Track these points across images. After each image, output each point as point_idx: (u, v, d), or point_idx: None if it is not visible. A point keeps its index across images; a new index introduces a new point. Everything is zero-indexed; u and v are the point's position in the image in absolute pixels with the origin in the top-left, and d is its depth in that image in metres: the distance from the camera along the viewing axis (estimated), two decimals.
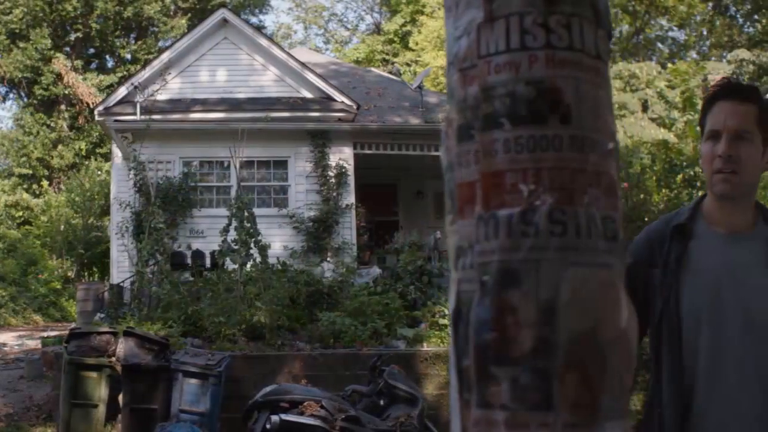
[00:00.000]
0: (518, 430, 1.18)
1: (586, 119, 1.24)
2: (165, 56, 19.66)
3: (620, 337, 1.23)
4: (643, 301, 2.84)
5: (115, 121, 18.17)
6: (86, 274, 28.66)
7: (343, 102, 19.21)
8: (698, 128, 2.92)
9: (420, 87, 21.68)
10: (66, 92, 35.87)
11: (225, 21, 19.68)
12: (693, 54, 48.91)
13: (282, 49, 21.11)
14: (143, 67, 20.79)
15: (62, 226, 29.66)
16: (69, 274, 28.90)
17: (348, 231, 18.60)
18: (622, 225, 1.28)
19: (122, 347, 9.85)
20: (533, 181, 1.22)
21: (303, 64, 19.78)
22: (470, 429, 1.23)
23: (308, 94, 19.44)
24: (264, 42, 20.01)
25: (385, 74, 29.09)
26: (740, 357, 2.66)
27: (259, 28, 42.79)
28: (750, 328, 2.66)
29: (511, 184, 1.23)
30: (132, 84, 18.99)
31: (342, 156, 18.74)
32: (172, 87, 19.41)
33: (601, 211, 1.24)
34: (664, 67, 37.00)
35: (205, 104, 19.14)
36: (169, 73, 19.19)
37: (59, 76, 35.54)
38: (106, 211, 27.23)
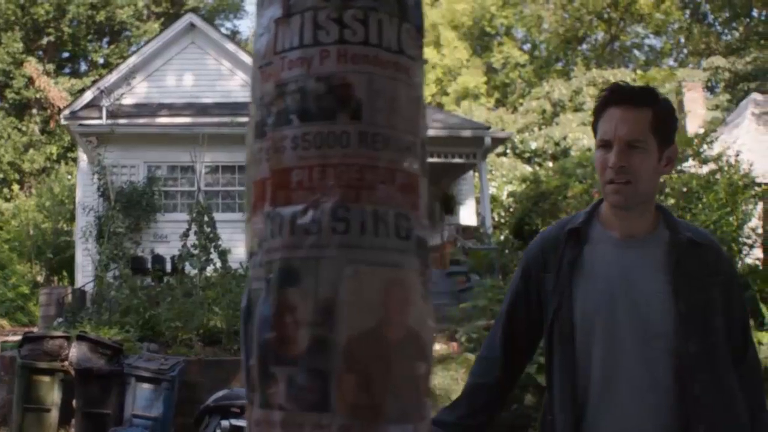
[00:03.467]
0: (294, 430, 1.16)
1: (379, 115, 1.23)
2: (131, 60, 19.64)
3: (410, 338, 1.21)
4: (538, 306, 2.81)
5: (80, 125, 18.11)
6: (56, 278, 28.47)
7: None
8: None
9: None
10: (37, 96, 35.68)
11: (192, 26, 19.66)
12: (670, 61, 49.14)
13: (250, 54, 21.09)
14: (110, 71, 20.72)
15: (31, 231, 29.46)
16: (38, 278, 28.68)
17: None
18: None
19: (75, 351, 9.78)
20: (319, 178, 1.20)
21: None
22: (252, 429, 1.21)
23: None
24: (231, 47, 20.02)
25: None
26: (633, 362, 2.61)
27: (235, 33, 42.90)
28: (642, 332, 2.61)
29: (297, 181, 1.21)
30: (98, 88, 18.96)
31: None
32: (139, 91, 19.37)
33: (394, 209, 1.22)
34: (635, 72, 37.15)
35: (172, 108, 19.10)
36: (135, 77, 19.16)
37: (31, 80, 35.33)
38: (75, 216, 27.08)
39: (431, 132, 19.10)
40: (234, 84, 19.63)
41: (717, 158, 15.73)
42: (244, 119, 18.30)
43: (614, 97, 2.69)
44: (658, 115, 2.65)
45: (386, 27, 1.26)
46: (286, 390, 1.17)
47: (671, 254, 2.67)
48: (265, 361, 1.19)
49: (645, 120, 2.62)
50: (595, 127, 2.74)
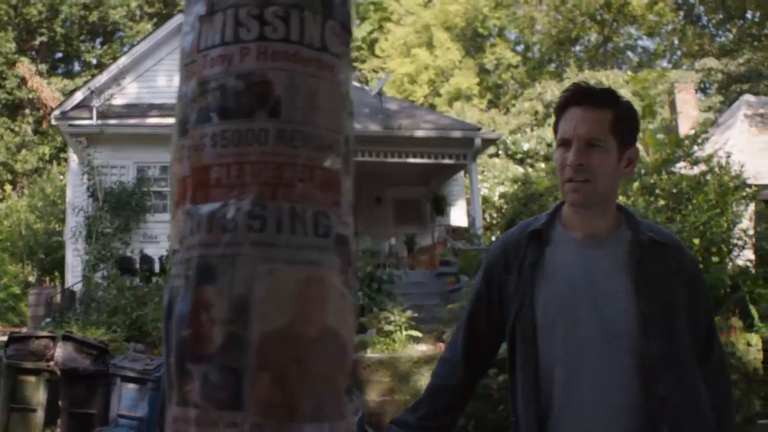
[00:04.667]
0: (208, 428, 1.16)
1: (298, 113, 1.22)
2: (122, 61, 19.65)
3: (327, 336, 1.20)
4: (500, 308, 2.81)
5: (70, 125, 18.10)
6: (47, 279, 28.46)
7: None
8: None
9: (380, 93, 21.67)
10: (30, 96, 35.67)
11: None
12: (664, 63, 49.18)
13: None
14: (101, 71, 20.73)
15: (23, 231, 29.46)
16: (30, 279, 28.69)
17: None
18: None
19: (60, 351, 9.76)
20: (236, 176, 1.20)
21: None
22: (169, 426, 1.21)
23: None
24: None
25: None
26: (595, 362, 2.58)
27: None
28: (604, 333, 2.59)
29: (216, 178, 1.21)
30: (89, 89, 18.95)
31: None
32: (130, 92, 19.36)
33: (313, 207, 1.22)
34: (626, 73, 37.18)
35: (162, 109, 19.07)
36: (125, 78, 19.14)
37: (23, 80, 35.32)
38: (66, 216, 27.08)
39: (421, 133, 19.09)
40: None
41: (707, 159, 15.73)
42: None
43: (575, 96, 2.68)
44: (619, 116, 2.65)
45: (309, 24, 1.26)
46: (200, 388, 1.17)
47: (633, 254, 2.66)
48: (182, 359, 1.19)
49: (605, 120, 2.62)
50: (556, 126, 2.73)
